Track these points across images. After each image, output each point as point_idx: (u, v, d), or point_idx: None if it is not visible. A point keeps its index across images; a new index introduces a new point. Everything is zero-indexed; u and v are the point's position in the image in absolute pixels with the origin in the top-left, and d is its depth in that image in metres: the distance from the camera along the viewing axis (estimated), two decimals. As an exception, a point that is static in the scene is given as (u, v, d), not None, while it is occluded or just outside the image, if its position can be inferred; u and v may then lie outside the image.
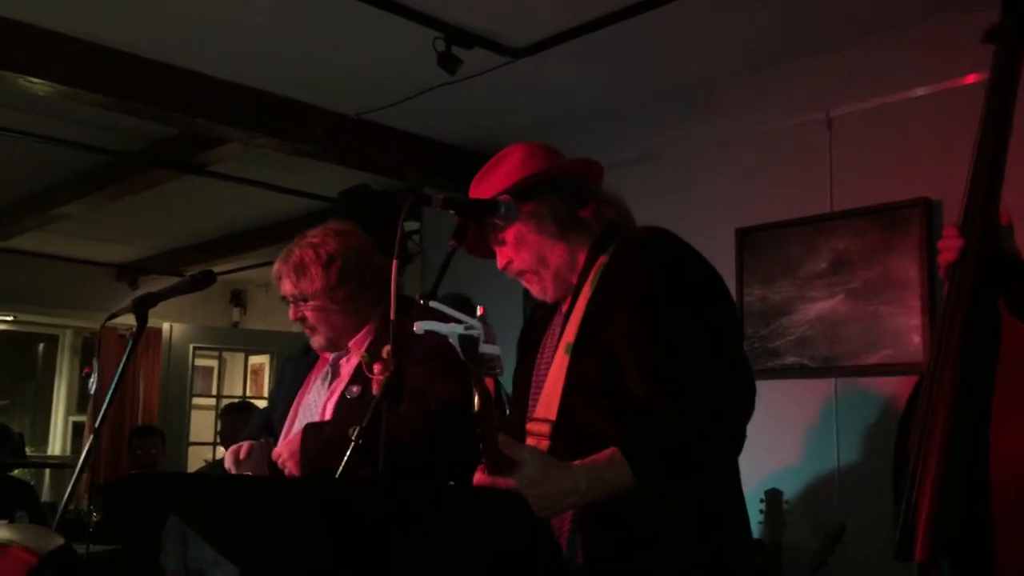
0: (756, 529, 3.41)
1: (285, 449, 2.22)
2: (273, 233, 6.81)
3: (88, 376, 8.20)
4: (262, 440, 2.40)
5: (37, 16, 3.62)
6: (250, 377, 8.34)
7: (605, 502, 1.50)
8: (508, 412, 2.01)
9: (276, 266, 2.40)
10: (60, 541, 1.66)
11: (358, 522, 1.32)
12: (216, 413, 7.98)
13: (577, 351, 1.67)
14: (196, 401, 8.05)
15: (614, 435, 1.54)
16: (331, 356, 2.45)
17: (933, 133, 3.46)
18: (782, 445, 3.63)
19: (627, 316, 1.62)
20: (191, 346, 7.94)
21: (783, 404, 3.70)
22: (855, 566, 3.30)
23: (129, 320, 2.17)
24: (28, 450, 8.00)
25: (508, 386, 2.07)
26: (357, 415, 1.98)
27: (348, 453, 1.58)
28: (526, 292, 1.88)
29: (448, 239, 1.72)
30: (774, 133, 3.94)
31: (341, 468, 1.56)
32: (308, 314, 2.36)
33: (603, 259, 1.74)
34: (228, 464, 2.34)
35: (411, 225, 5.48)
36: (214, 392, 8.35)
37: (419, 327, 1.42)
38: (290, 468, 2.18)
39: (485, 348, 1.34)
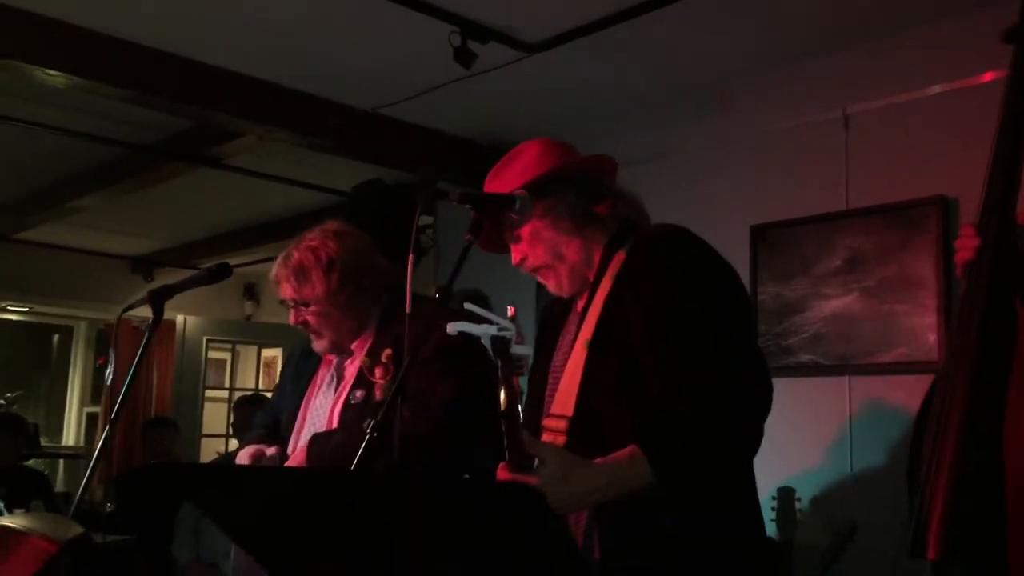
0: (768, 527, 3.40)
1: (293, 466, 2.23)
2: (287, 227, 6.81)
3: (103, 367, 8.25)
4: (273, 453, 2.38)
5: (54, 9, 3.64)
6: (263, 370, 8.38)
7: (623, 499, 1.51)
8: (522, 408, 2.01)
9: (275, 270, 2.37)
10: (79, 530, 1.68)
11: (373, 514, 1.33)
12: (229, 405, 8.02)
13: (594, 348, 1.67)
14: (209, 393, 8.09)
15: (631, 432, 1.54)
16: (335, 359, 2.43)
17: (950, 131, 3.44)
18: (795, 443, 3.63)
19: (645, 314, 1.62)
20: (204, 339, 7.98)
21: (797, 402, 3.69)
22: (867, 565, 3.29)
23: (143, 312, 2.18)
24: (43, 441, 8.07)
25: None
26: (363, 421, 2.00)
27: (363, 446, 1.58)
28: (539, 286, 1.88)
29: (463, 234, 1.72)
30: (790, 130, 3.92)
31: (356, 461, 1.57)
32: (310, 319, 2.34)
33: (620, 255, 1.74)
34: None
35: (425, 219, 5.49)
36: (227, 384, 8.39)
37: (452, 328, 1.44)
38: None
39: (516, 349, 1.35)
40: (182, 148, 5.08)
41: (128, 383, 2.07)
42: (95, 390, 8.65)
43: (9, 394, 7.93)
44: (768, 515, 3.39)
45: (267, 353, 8.40)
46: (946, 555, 1.43)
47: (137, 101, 4.12)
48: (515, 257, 1.83)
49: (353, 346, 2.39)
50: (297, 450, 2.30)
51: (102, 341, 8.63)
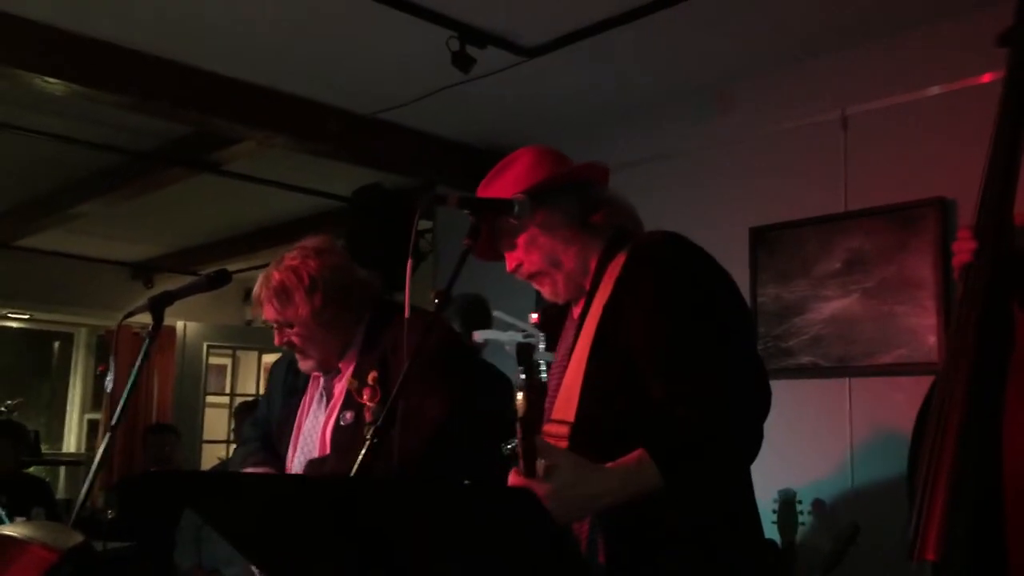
0: (769, 529, 3.40)
1: None
2: (287, 232, 6.83)
3: (103, 374, 8.25)
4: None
5: (53, 17, 3.64)
6: (263, 375, 8.37)
7: (630, 503, 1.52)
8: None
9: (256, 291, 2.31)
10: (79, 538, 1.68)
11: (372, 520, 1.33)
12: (230, 411, 8.02)
13: (594, 354, 1.68)
14: (210, 399, 8.09)
15: (632, 436, 1.56)
16: (323, 377, 2.40)
17: (949, 132, 3.45)
18: (796, 445, 3.63)
19: (645, 319, 1.63)
20: (205, 344, 7.98)
21: (797, 404, 3.69)
22: (868, 567, 3.29)
23: (143, 318, 2.18)
24: (43, 447, 8.06)
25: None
26: (355, 443, 1.98)
27: (363, 452, 1.58)
28: (539, 292, 1.88)
29: (462, 238, 1.72)
30: (789, 132, 3.93)
31: (356, 467, 1.57)
32: (295, 339, 2.30)
33: (616, 263, 1.74)
34: None
35: (424, 224, 5.50)
36: (228, 390, 8.39)
37: (479, 336, 1.45)
38: None
39: (540, 355, 1.36)
40: (181, 154, 5.08)
41: (128, 389, 2.07)
42: (96, 397, 8.65)
43: (10, 401, 7.92)
44: (769, 518, 3.39)
45: (268, 358, 8.39)
46: (946, 556, 1.43)
47: (136, 108, 4.12)
48: (510, 264, 1.83)
49: (341, 364, 2.35)
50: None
51: (103, 348, 8.63)
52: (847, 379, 3.65)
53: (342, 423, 2.25)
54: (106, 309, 7.75)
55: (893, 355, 3.50)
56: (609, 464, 1.52)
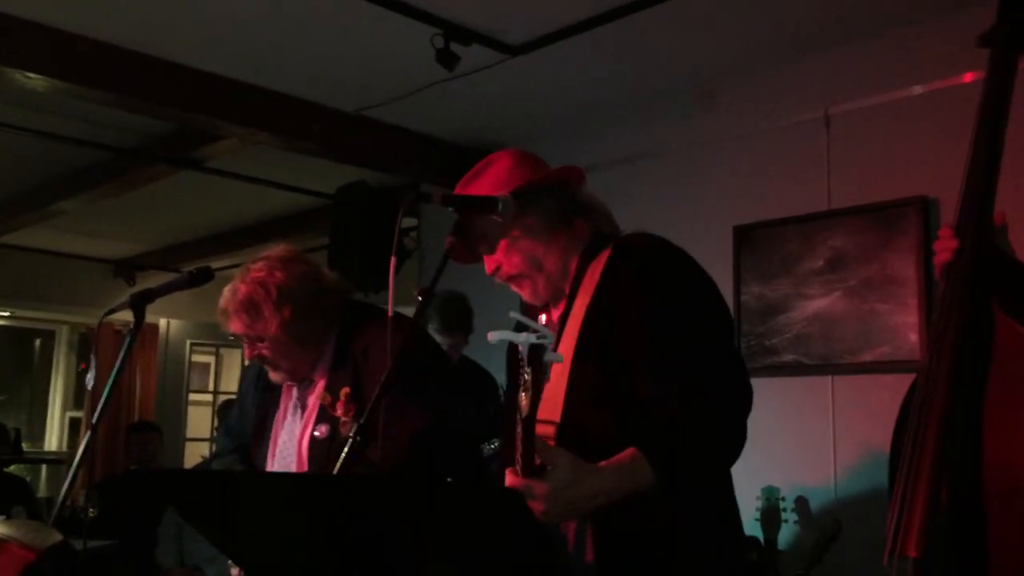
0: (752, 527, 3.42)
1: None
2: (270, 229, 6.81)
3: (85, 372, 8.20)
4: None
5: (34, 12, 3.61)
6: (247, 373, 8.33)
7: (621, 502, 1.55)
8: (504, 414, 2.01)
9: (223, 303, 2.26)
10: (58, 537, 1.66)
11: (355, 517, 1.33)
12: (213, 409, 7.98)
13: (578, 355, 1.69)
14: (193, 397, 8.06)
15: (617, 436, 1.59)
16: (296, 388, 2.36)
17: (931, 131, 3.47)
18: (779, 442, 3.64)
19: (631, 322, 1.65)
20: (188, 342, 7.95)
21: (780, 401, 3.71)
22: (850, 563, 3.31)
23: (126, 316, 2.16)
24: (25, 446, 8.00)
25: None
26: (331, 456, 1.95)
27: (346, 450, 1.58)
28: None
29: (446, 236, 1.72)
30: (772, 131, 3.94)
31: (339, 464, 1.57)
32: (266, 353, 2.26)
33: (597, 265, 1.76)
34: None
35: (409, 222, 5.49)
36: (211, 388, 8.36)
37: (492, 337, 1.46)
38: None
39: (549, 356, 1.37)
40: (164, 151, 5.05)
41: (109, 387, 2.06)
42: (78, 395, 8.59)
43: (-10, 399, 7.88)
44: (752, 515, 3.40)
45: (250, 356, 8.36)
46: (927, 553, 1.44)
47: (118, 104, 4.10)
48: (489, 267, 1.83)
49: (314, 375, 2.31)
50: None
51: (84, 345, 8.58)
52: (830, 377, 3.67)
53: (317, 436, 2.22)
54: (88, 307, 7.69)
55: (875, 353, 3.52)
56: (603, 463, 1.54)
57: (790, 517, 3.55)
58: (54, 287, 7.85)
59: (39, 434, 8.59)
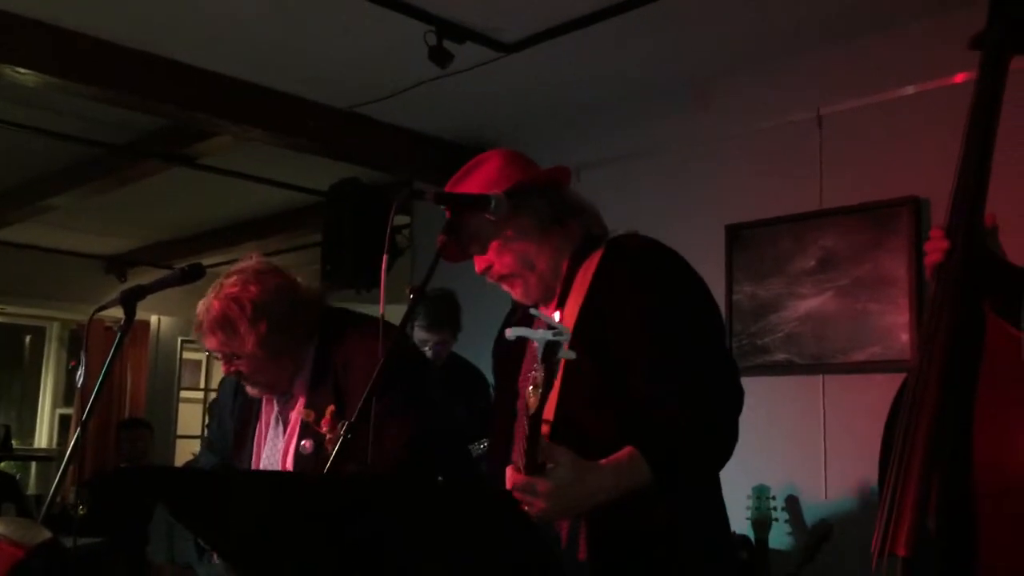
0: (743, 526, 3.42)
1: None
2: (263, 226, 6.79)
3: (75, 369, 8.17)
4: None
5: (25, 6, 3.60)
6: (238, 370, 8.31)
7: (617, 500, 1.57)
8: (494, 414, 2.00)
9: (198, 319, 2.20)
10: (47, 534, 1.66)
11: (346, 517, 1.33)
12: (204, 406, 7.97)
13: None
14: (184, 394, 8.04)
15: (611, 434, 1.61)
16: (276, 402, 2.31)
17: (922, 132, 3.48)
18: (770, 441, 3.65)
19: (631, 321, 1.67)
20: (179, 339, 7.93)
21: (771, 400, 3.72)
22: (840, 562, 3.32)
23: (117, 313, 2.15)
24: (14, 443, 7.98)
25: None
26: (317, 472, 1.93)
27: (336, 449, 1.58)
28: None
29: (438, 234, 1.72)
30: (765, 131, 3.95)
31: (329, 463, 1.57)
32: (243, 369, 2.21)
33: (589, 265, 1.77)
34: None
35: (402, 219, 5.48)
36: (202, 385, 8.34)
37: (510, 333, 1.47)
38: None
39: (564, 354, 1.38)
40: (157, 147, 5.04)
41: (100, 384, 2.05)
42: (68, 391, 8.57)
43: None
44: (743, 514, 3.41)
45: (243, 353, 8.34)
46: (916, 552, 1.45)
47: (110, 100, 4.08)
48: (479, 266, 1.84)
49: (295, 389, 2.27)
50: None
51: (75, 342, 8.55)
52: (821, 376, 3.67)
53: (302, 452, 2.18)
54: (79, 303, 7.67)
55: (866, 352, 3.53)
56: (602, 462, 1.56)
57: (781, 516, 3.56)
58: (45, 283, 7.82)
59: (29, 431, 8.56)
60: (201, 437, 7.60)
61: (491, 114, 4.63)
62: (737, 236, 3.97)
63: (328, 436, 1.95)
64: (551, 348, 1.37)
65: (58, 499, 2.19)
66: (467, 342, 3.83)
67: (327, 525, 1.34)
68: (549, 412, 1.70)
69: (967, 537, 1.49)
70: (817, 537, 3.28)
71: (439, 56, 3.67)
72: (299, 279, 2.29)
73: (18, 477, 6.22)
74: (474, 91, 4.28)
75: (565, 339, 1.37)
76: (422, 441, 2.13)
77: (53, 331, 8.68)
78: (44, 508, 2.06)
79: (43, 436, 8.53)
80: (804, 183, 3.78)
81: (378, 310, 1.71)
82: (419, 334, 3.67)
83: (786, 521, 3.60)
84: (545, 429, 1.70)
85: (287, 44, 3.91)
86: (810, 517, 3.54)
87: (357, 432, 1.57)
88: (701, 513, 1.70)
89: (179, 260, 7.33)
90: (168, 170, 5.32)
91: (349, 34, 3.78)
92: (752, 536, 3.44)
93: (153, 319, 7.89)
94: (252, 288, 2.17)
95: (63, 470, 2.08)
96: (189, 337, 7.95)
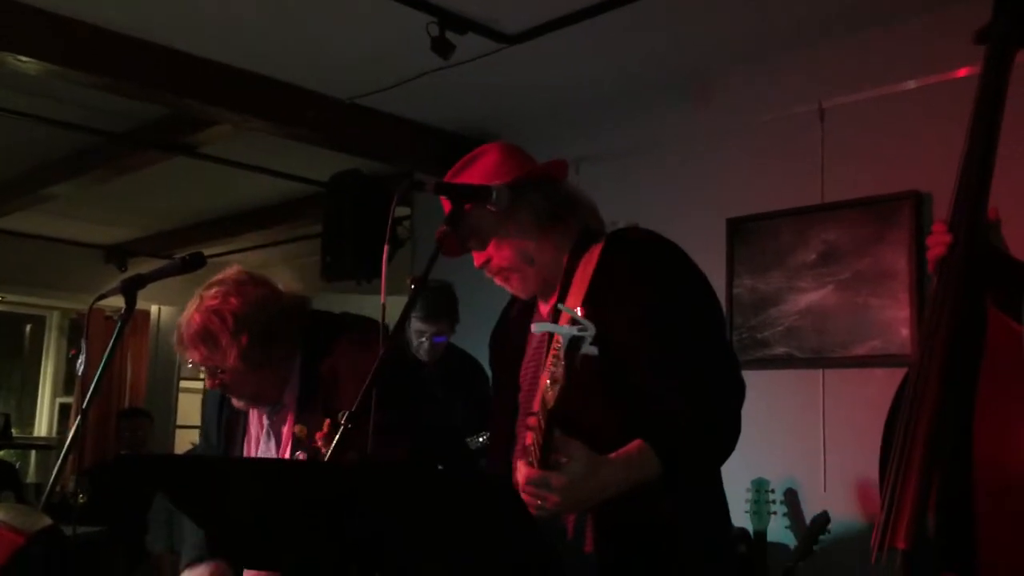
0: (742, 519, 3.43)
1: None
2: (263, 216, 6.78)
3: (75, 357, 8.18)
4: None
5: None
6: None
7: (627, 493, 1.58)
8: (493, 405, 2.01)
9: (178, 333, 2.17)
10: (47, 521, 1.66)
11: (344, 504, 1.33)
12: (204, 396, 7.95)
13: None
14: (184, 384, 8.04)
15: (612, 428, 1.62)
16: (265, 415, 2.28)
17: (925, 125, 3.47)
18: (769, 435, 3.65)
19: (634, 315, 1.67)
20: (179, 329, 7.90)
21: (771, 394, 3.72)
22: (840, 556, 3.32)
23: (117, 302, 2.14)
24: (14, 431, 7.99)
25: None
26: None
27: (336, 437, 1.58)
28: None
29: (439, 225, 1.72)
30: (766, 124, 3.94)
31: (329, 452, 1.57)
32: (228, 381, 2.18)
33: (589, 258, 1.77)
34: None
35: (402, 210, 5.47)
36: (202, 375, 8.31)
37: (535, 328, 1.47)
38: None
39: (587, 349, 1.38)
40: (157, 136, 5.03)
41: (100, 373, 2.05)
42: (68, 380, 8.58)
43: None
44: (743, 507, 3.41)
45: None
46: (916, 545, 1.45)
47: (113, 89, 4.07)
48: (478, 260, 1.84)
49: (284, 399, 2.23)
50: None
51: (75, 331, 8.55)
52: (821, 370, 3.67)
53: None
54: (79, 292, 7.66)
55: (867, 347, 3.53)
56: (612, 456, 1.58)
57: (779, 510, 3.56)
58: (45, 272, 7.82)
59: (29, 420, 8.57)
60: (201, 427, 7.61)
61: (493, 106, 4.62)
62: (738, 229, 3.96)
63: (323, 451, 1.92)
64: (575, 344, 1.37)
65: (58, 488, 2.20)
66: (465, 334, 3.83)
67: (324, 514, 1.34)
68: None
69: (967, 534, 1.49)
70: (815, 529, 3.29)
71: (441, 47, 3.67)
72: (282, 287, 2.23)
73: (17, 465, 6.22)
74: (476, 82, 4.27)
75: (590, 335, 1.37)
76: (419, 455, 2.12)
77: (53, 320, 8.69)
78: (44, 497, 2.06)
79: (43, 425, 8.55)
80: (805, 177, 3.78)
81: (379, 301, 1.70)
82: (416, 325, 3.67)
83: (785, 514, 3.61)
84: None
85: (289, 34, 3.90)
86: (809, 511, 3.54)
87: (362, 409, 1.56)
88: (704, 507, 1.71)
89: (179, 249, 7.31)
90: (168, 159, 5.31)
91: (351, 24, 3.77)
92: (751, 529, 3.44)
93: (153, 309, 7.88)
94: (233, 300, 2.12)
95: (63, 459, 2.07)
96: (189, 327, 7.95)
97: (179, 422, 7.89)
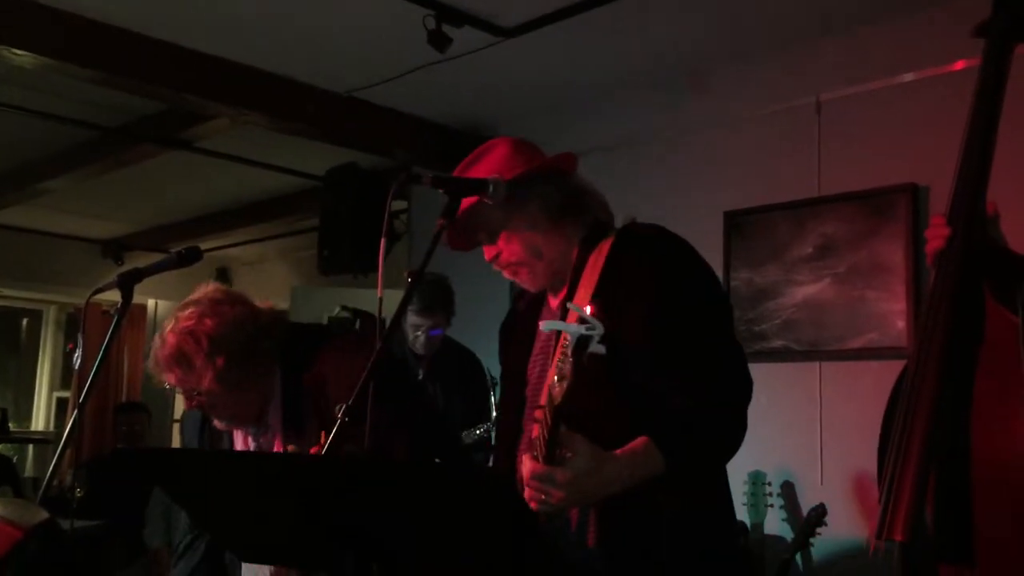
0: (739, 511, 3.43)
1: None
2: (260, 210, 6.77)
3: (72, 352, 8.16)
4: None
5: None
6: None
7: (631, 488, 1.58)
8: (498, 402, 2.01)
9: (153, 354, 2.12)
10: (45, 515, 1.66)
11: (343, 498, 1.33)
12: (182, 418, 7.93)
13: None
14: (181, 378, 8.00)
15: (618, 424, 1.62)
16: (250, 435, 2.24)
17: (921, 119, 3.47)
18: (766, 428, 3.64)
19: (641, 312, 1.67)
20: (176, 323, 7.89)
21: (768, 387, 3.70)
22: (836, 548, 3.33)
23: (114, 296, 2.14)
24: (11, 425, 7.98)
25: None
26: None
27: (334, 431, 1.58)
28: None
29: (436, 218, 1.71)
30: (763, 117, 3.94)
31: (327, 446, 1.56)
32: (204, 403, 2.14)
33: (599, 252, 1.76)
34: None
35: (399, 204, 5.47)
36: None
37: (544, 326, 1.47)
38: None
39: (595, 348, 1.38)
40: (153, 130, 5.01)
41: (96, 367, 2.04)
42: (65, 374, 8.56)
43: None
44: (740, 500, 3.42)
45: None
46: (914, 537, 1.45)
47: (107, 82, 4.06)
48: (488, 253, 1.84)
49: (269, 419, 2.19)
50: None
51: (72, 325, 8.54)
52: (818, 363, 3.68)
53: None
54: (75, 286, 7.65)
55: (863, 339, 3.53)
56: (617, 451, 1.58)
57: (776, 502, 3.57)
58: (41, 267, 7.80)
59: (26, 414, 8.56)
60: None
61: (489, 99, 4.62)
62: (735, 223, 3.96)
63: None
64: (583, 342, 1.37)
65: (55, 482, 2.19)
66: (461, 327, 3.83)
67: (323, 506, 1.34)
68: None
69: (964, 526, 1.50)
70: (812, 522, 3.30)
71: (438, 40, 3.66)
72: (259, 304, 2.19)
73: (15, 460, 6.22)
74: (472, 76, 4.26)
75: (598, 334, 1.37)
76: (420, 450, 2.12)
77: (50, 314, 8.67)
78: (41, 491, 2.06)
79: (40, 419, 8.54)
80: (802, 170, 3.78)
81: (376, 294, 1.70)
82: (412, 318, 3.66)
83: (782, 507, 3.61)
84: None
85: (286, 27, 3.89)
86: (806, 503, 3.55)
87: (359, 403, 1.55)
88: (708, 504, 1.71)
89: (176, 244, 7.31)
90: (165, 154, 5.30)
91: (348, 18, 3.76)
92: (748, 521, 3.45)
93: (150, 303, 7.87)
94: (208, 321, 2.08)
95: (60, 453, 2.07)
96: (186, 321, 7.94)
97: (176, 416, 7.87)
